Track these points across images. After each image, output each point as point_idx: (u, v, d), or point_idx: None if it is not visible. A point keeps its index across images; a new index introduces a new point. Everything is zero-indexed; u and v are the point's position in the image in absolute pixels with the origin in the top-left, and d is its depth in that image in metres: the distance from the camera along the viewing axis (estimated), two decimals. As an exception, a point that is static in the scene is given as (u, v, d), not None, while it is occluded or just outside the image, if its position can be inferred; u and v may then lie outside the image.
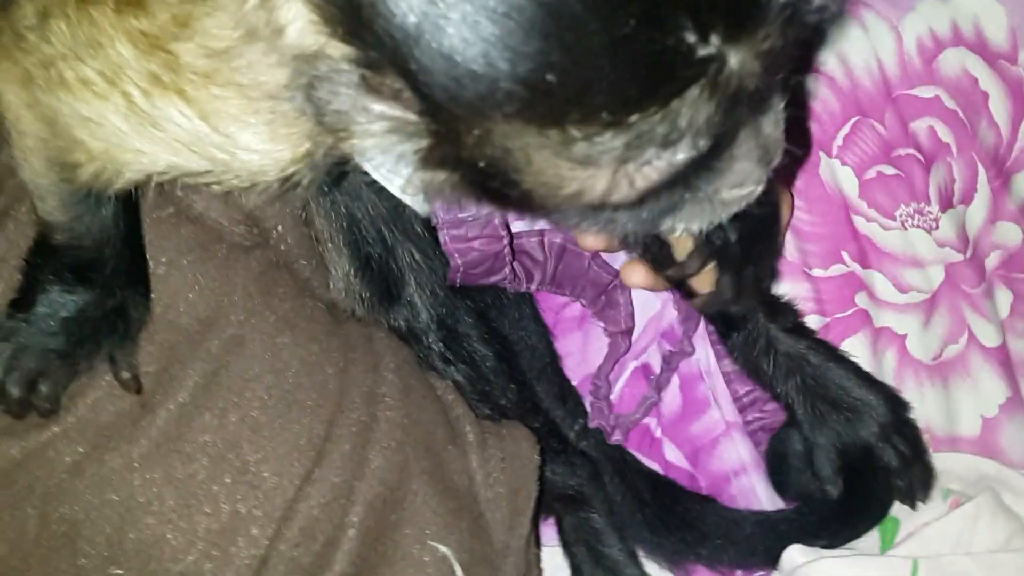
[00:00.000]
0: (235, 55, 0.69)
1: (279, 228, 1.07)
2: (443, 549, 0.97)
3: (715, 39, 0.58)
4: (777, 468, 1.25)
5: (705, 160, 0.65)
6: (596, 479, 1.22)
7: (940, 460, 1.23)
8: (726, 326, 1.21)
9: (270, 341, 0.99)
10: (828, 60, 1.28)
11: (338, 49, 0.63)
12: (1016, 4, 1.28)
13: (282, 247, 1.07)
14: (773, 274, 1.18)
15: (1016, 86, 1.29)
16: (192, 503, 0.93)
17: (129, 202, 0.93)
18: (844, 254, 1.28)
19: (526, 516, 1.06)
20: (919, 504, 1.20)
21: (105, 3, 0.74)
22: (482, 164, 0.65)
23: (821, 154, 1.27)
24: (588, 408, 1.27)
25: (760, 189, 0.72)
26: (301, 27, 0.64)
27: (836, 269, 1.27)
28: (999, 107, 1.28)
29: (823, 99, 1.27)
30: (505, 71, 0.58)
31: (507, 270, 1.15)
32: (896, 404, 1.19)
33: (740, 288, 1.06)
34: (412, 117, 0.64)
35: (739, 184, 0.71)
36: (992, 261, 1.30)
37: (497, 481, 1.04)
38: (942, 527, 1.17)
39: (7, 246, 0.96)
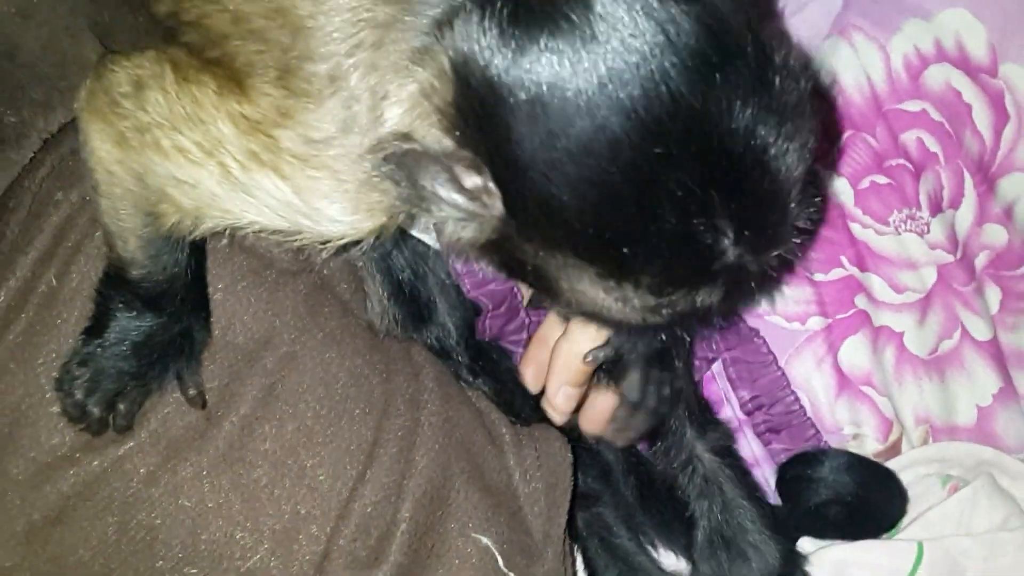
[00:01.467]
0: (332, 145, 0.76)
1: (322, 254, 1.11)
2: (485, 540, 1.02)
3: (744, 247, 0.69)
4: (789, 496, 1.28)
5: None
6: (606, 476, 1.27)
7: (940, 449, 1.29)
8: (654, 433, 1.21)
9: (319, 356, 1.04)
10: (822, 79, 1.32)
11: (440, 143, 0.71)
12: (995, 21, 1.32)
13: (325, 271, 1.12)
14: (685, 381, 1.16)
15: (997, 97, 1.32)
16: (257, 506, 0.98)
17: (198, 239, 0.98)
18: (843, 259, 1.33)
19: (563, 508, 1.11)
20: (921, 491, 1.24)
21: (207, 84, 0.80)
22: (530, 267, 0.75)
23: (818, 167, 1.33)
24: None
25: None
26: (401, 113, 0.72)
27: (836, 273, 1.33)
28: (982, 117, 1.32)
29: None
30: (593, 230, 0.68)
31: (522, 314, 1.21)
32: (789, 559, 1.18)
33: (645, 391, 1.08)
34: (489, 216, 0.73)
35: None
36: (981, 261, 1.35)
37: (534, 477, 1.09)
38: (943, 511, 1.22)
39: (80, 278, 1.00)
